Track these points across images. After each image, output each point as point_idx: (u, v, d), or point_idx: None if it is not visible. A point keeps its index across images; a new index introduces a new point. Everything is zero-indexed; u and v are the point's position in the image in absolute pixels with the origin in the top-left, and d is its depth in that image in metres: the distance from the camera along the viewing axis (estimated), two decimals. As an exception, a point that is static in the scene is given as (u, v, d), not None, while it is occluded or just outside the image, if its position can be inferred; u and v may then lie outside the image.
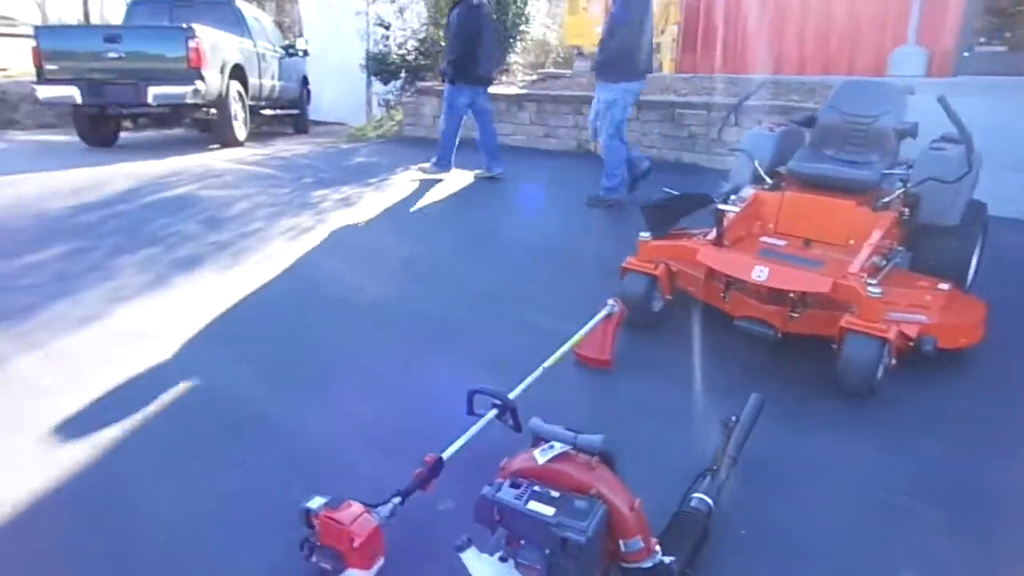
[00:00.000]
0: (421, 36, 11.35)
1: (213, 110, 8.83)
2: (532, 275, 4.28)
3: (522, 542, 1.64)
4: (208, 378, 2.86)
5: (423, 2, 11.00)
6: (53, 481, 2.19)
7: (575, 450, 1.73)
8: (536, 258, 4.58)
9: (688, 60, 10.19)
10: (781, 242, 3.46)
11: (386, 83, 11.73)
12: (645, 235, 3.30)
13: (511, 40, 10.41)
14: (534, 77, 10.62)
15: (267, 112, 11.03)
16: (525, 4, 10.33)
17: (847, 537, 2.09)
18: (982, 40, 8.47)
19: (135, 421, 2.54)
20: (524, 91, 8.71)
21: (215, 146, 9.05)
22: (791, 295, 3.03)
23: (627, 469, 1.76)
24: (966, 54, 8.09)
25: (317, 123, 13.92)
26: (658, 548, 1.70)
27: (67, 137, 9.57)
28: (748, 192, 3.63)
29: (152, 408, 2.62)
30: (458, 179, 6.74)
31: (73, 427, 2.50)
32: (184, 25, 8.16)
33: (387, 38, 10.55)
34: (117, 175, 6.51)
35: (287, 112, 12.22)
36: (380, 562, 1.82)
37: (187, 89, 8.05)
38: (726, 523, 2.07)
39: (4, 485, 2.15)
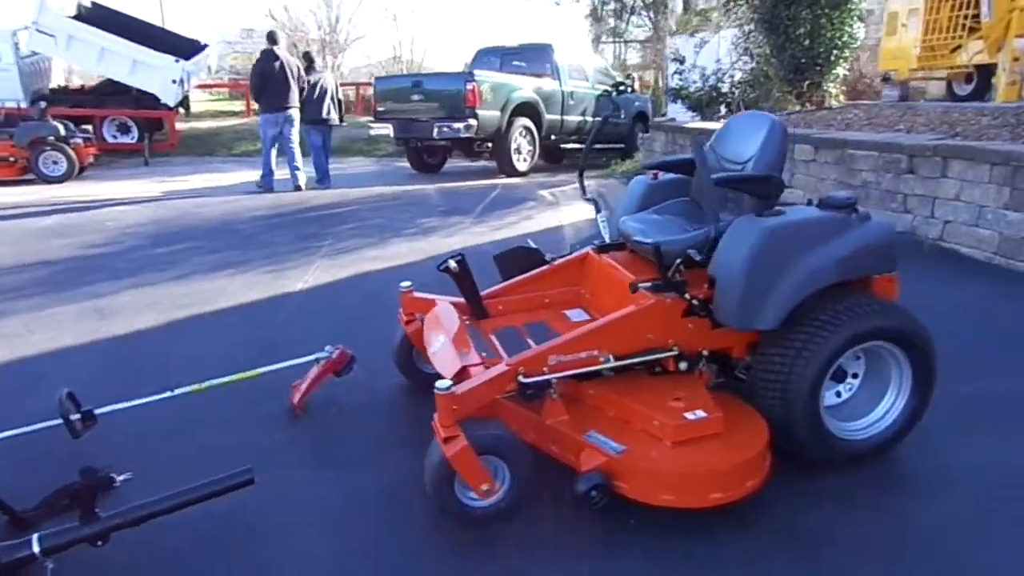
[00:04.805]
0: (750, 67, 10.65)
1: (490, 143, 9.93)
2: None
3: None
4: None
5: (730, 35, 10.32)
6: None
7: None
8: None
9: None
10: (582, 316, 2.72)
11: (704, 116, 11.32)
12: (406, 284, 2.93)
13: (817, 68, 9.08)
14: (841, 104, 9.09)
15: (570, 146, 11.67)
16: (841, 35, 8.89)
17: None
18: None
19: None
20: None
21: (502, 176, 10.08)
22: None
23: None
24: None
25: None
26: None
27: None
28: (582, 252, 2.90)
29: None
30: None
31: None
32: (465, 71, 9.42)
33: (681, 72, 10.20)
34: (346, 195, 8.13)
35: (612, 147, 12.73)
36: None
37: (461, 125, 9.28)
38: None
39: None
